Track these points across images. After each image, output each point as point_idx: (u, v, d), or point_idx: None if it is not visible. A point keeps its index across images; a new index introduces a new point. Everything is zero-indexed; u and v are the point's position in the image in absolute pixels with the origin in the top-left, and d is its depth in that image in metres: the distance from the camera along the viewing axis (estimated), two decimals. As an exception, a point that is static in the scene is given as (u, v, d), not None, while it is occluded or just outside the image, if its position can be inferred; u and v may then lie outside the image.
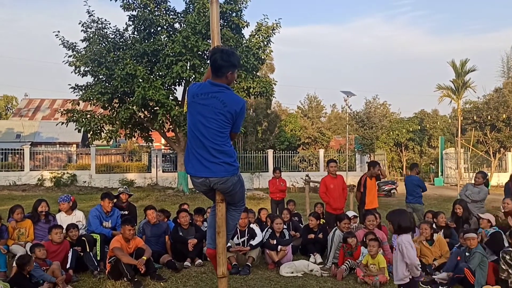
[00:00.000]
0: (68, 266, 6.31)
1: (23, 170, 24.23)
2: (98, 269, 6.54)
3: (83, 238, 6.89)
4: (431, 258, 6.85)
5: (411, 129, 34.67)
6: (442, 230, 7.55)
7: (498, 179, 28.13)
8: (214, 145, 3.52)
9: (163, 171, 26.13)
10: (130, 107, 18.67)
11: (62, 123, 19.81)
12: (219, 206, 3.65)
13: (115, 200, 7.74)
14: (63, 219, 7.22)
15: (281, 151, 29.08)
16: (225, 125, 3.55)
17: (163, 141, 30.87)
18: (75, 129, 20.16)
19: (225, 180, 3.55)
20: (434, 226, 7.31)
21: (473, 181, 8.76)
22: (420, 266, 6.42)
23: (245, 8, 20.22)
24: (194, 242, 7.24)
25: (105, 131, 19.91)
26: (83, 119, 19.27)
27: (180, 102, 20.27)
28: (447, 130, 37.71)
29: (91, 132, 19.54)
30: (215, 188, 3.61)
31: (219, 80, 3.60)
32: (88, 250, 6.75)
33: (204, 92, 3.58)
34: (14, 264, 5.79)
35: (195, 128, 3.58)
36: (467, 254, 6.10)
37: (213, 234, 3.76)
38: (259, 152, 27.88)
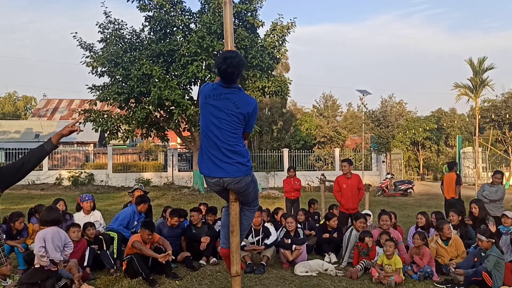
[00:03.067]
0: (85, 264, 6.40)
1: (42, 170, 24.63)
2: (115, 267, 6.62)
3: (100, 236, 7.01)
4: (447, 258, 6.79)
5: (428, 128, 34.25)
6: (458, 230, 7.48)
7: (517, 178, 27.60)
8: (227, 145, 3.55)
9: (179, 170, 26.31)
10: (146, 107, 18.87)
11: (80, 123, 20.09)
12: (233, 205, 3.68)
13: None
14: (81, 218, 7.33)
15: (296, 150, 29.01)
16: (237, 126, 3.58)
17: (179, 140, 31.14)
18: (92, 129, 20.47)
19: (239, 180, 3.58)
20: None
21: (490, 181, 8.66)
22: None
23: (260, 7, 20.28)
24: (207, 240, 7.31)
25: (121, 131, 20.17)
26: (100, 119, 19.55)
27: (195, 102, 20.37)
28: (465, 129, 37.20)
29: (108, 132, 19.80)
30: (229, 188, 3.64)
31: (230, 84, 3.63)
32: (105, 248, 6.86)
33: (217, 94, 3.61)
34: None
35: (207, 129, 3.62)
36: (482, 254, 6.03)
37: (226, 233, 3.79)
38: (274, 151, 27.86)
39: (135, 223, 7.42)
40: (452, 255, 6.77)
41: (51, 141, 3.47)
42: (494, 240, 5.95)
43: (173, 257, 6.36)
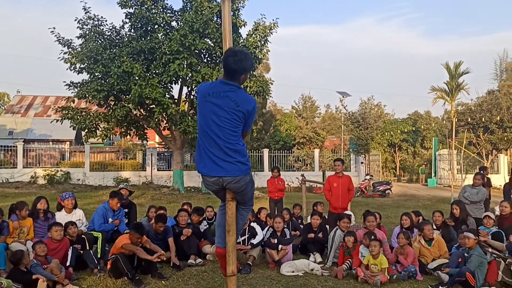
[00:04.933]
0: (68, 263, 6.27)
1: (16, 168, 24.01)
2: (98, 267, 6.51)
3: (83, 236, 6.87)
4: (430, 258, 6.91)
5: (405, 130, 34.88)
6: (440, 230, 7.61)
7: (494, 181, 28.37)
8: (228, 144, 3.51)
9: (158, 170, 26.05)
10: (126, 105, 18.59)
11: (57, 120, 19.67)
12: (230, 204, 3.65)
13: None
14: (63, 217, 7.16)
15: (276, 151, 29.11)
16: (237, 124, 3.55)
17: (157, 139, 30.81)
18: (70, 127, 20.03)
19: (239, 180, 3.55)
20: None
21: (471, 182, 8.85)
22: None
23: (243, 7, 20.26)
24: (188, 232, 7.31)
25: (100, 129, 19.81)
26: (78, 117, 19.15)
27: (176, 101, 20.21)
28: (440, 132, 38.00)
29: (86, 130, 19.41)
30: (228, 187, 3.61)
31: (231, 80, 3.60)
32: (88, 248, 6.73)
33: (216, 92, 3.58)
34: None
35: (207, 128, 3.57)
36: (466, 255, 6.16)
37: (222, 233, 3.75)
38: (254, 152, 27.89)
39: (110, 220, 7.30)
40: (435, 255, 6.89)
41: None
42: (478, 239, 6.09)
43: (165, 258, 6.28)
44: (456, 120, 25.72)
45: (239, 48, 3.66)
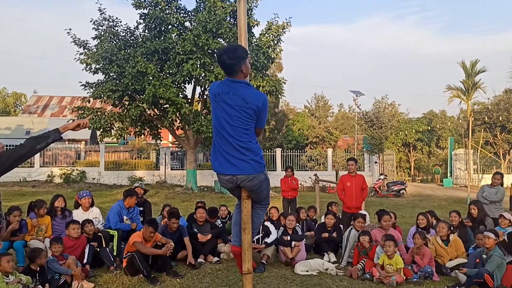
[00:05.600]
0: (85, 261, 6.34)
1: (33, 167, 24.38)
2: (115, 265, 6.58)
3: (99, 233, 6.94)
4: (446, 258, 6.83)
5: (420, 130, 34.53)
6: (457, 231, 7.52)
7: (507, 180, 27.96)
8: (240, 142, 3.52)
9: (171, 169, 26.22)
10: (140, 104, 18.74)
11: (73, 120, 19.89)
12: (245, 203, 3.66)
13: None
14: (80, 215, 7.25)
15: (288, 150, 29.06)
16: (249, 121, 3.55)
17: (171, 138, 30.98)
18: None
19: (252, 178, 3.55)
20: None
21: (487, 183, 8.73)
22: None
23: (256, 7, 20.28)
24: (207, 238, 7.27)
25: (115, 129, 20.01)
26: (94, 116, 19.37)
27: (189, 100, 20.31)
28: (455, 131, 37.56)
29: (101, 130, 19.62)
30: (242, 185, 3.61)
31: (235, 76, 3.60)
32: (104, 245, 6.80)
33: (225, 91, 3.58)
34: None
35: (220, 127, 3.59)
36: (484, 256, 6.08)
37: (238, 231, 3.76)
38: (267, 151, 27.88)
39: (125, 217, 7.36)
40: (452, 255, 6.81)
41: (58, 130, 3.38)
42: (498, 239, 6.01)
43: (172, 251, 6.32)
44: (473, 119, 25.37)
45: (229, 45, 3.64)
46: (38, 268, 5.50)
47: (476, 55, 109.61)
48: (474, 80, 28.17)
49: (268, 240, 7.21)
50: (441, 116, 38.81)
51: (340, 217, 8.62)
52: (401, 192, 21.80)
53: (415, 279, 6.28)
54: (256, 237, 7.29)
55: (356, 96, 30.14)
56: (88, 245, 6.53)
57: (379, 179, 23.31)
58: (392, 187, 22.06)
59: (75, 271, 5.75)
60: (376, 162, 28.43)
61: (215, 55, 19.46)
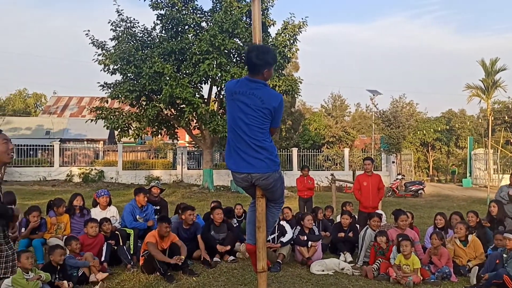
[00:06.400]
0: (102, 259, 6.42)
1: (53, 166, 24.79)
2: (132, 263, 6.65)
3: (116, 232, 7.03)
4: (465, 259, 6.74)
5: (438, 129, 34.05)
6: (475, 231, 7.41)
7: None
8: (255, 141, 3.53)
9: (188, 168, 26.38)
10: (157, 104, 18.92)
11: (92, 120, 20.21)
12: (259, 201, 3.67)
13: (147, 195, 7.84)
14: (97, 213, 7.36)
15: (305, 150, 28.96)
16: (264, 121, 3.57)
17: (187, 138, 31.20)
18: (103, 126, 20.56)
19: (267, 176, 3.56)
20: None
21: (508, 182, 8.55)
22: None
23: (272, 6, 20.27)
24: (227, 248, 7.26)
25: (132, 129, 20.23)
26: (112, 116, 19.62)
27: (206, 100, 20.41)
28: (475, 131, 36.95)
29: (119, 129, 19.85)
30: (257, 184, 3.62)
31: (255, 76, 3.61)
32: (121, 244, 6.88)
33: (242, 90, 3.60)
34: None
35: (235, 125, 3.61)
36: (504, 256, 5.97)
37: (252, 229, 3.77)
38: (283, 151, 27.84)
39: (138, 217, 7.43)
40: (471, 256, 6.72)
41: (13, 210, 3.19)
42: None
43: (182, 260, 6.34)
44: (493, 119, 24.93)
45: (261, 44, 3.65)
46: (59, 266, 5.59)
47: (496, 53, 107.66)
48: (494, 78, 27.64)
49: (284, 239, 7.21)
50: (460, 115, 38.22)
51: (356, 216, 8.56)
52: (419, 192, 21.54)
53: (432, 280, 6.21)
54: (272, 236, 7.29)
55: (373, 95, 29.88)
56: (105, 243, 6.61)
57: (397, 179, 23.07)
58: (410, 187, 21.82)
59: (93, 262, 5.91)
60: (393, 162, 28.14)
61: (231, 54, 19.57)
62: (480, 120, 35.56)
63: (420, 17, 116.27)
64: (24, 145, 25.55)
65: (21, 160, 24.83)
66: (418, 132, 33.59)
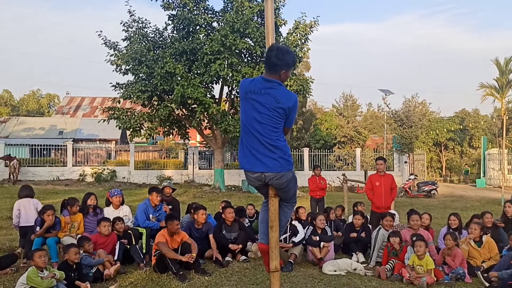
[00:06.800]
0: (115, 258, 6.47)
1: (66, 166, 25.05)
2: (144, 262, 6.69)
3: (129, 231, 7.08)
4: (479, 260, 6.66)
5: (452, 129, 33.70)
6: (490, 232, 7.31)
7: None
8: (269, 140, 3.52)
9: (199, 168, 26.47)
10: (169, 104, 19.00)
11: (104, 120, 20.37)
12: (272, 200, 3.66)
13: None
14: (110, 213, 7.41)
15: (316, 150, 28.87)
16: (278, 120, 3.56)
17: (198, 138, 31.31)
18: (116, 126, 20.72)
19: (281, 176, 3.55)
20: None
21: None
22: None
23: (283, 6, 20.26)
24: (239, 247, 7.28)
25: (144, 129, 20.35)
26: (124, 117, 19.75)
27: (217, 100, 20.45)
28: (489, 130, 36.50)
29: (131, 129, 19.98)
30: (270, 183, 3.61)
31: (272, 76, 3.60)
32: (134, 243, 6.92)
33: (257, 89, 3.59)
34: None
35: (249, 124, 3.59)
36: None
37: (265, 229, 3.76)
38: (294, 151, 27.79)
39: (151, 216, 7.47)
40: (485, 257, 6.64)
41: None
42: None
43: (194, 257, 6.35)
44: (507, 118, 24.59)
45: (281, 45, 3.65)
46: (74, 265, 5.65)
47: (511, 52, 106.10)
48: (509, 77, 27.29)
49: (296, 239, 7.19)
50: (474, 115, 37.80)
51: (369, 217, 8.50)
52: (432, 192, 21.34)
53: (446, 281, 6.14)
54: (284, 236, 7.28)
55: (385, 95, 29.69)
56: (118, 242, 6.66)
57: (409, 179, 22.89)
58: (423, 187, 21.62)
59: (107, 258, 6.01)
60: (406, 162, 27.92)
61: (242, 54, 19.57)
62: (494, 119, 35.15)
63: (434, 15, 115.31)
64: (38, 145, 25.87)
65: (35, 159, 25.15)
66: (431, 132, 33.29)
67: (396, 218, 8.90)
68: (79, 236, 6.62)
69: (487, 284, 5.90)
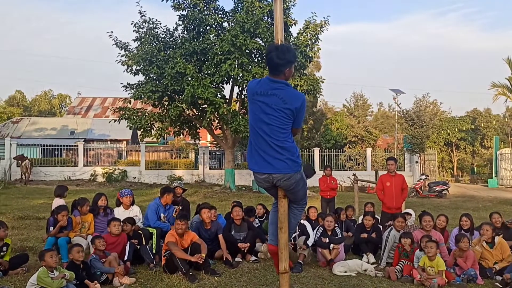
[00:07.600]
0: (125, 258, 6.50)
1: (77, 166, 25.27)
2: (154, 262, 6.71)
3: (139, 231, 7.11)
4: (491, 261, 6.59)
5: (463, 128, 33.34)
6: (500, 233, 7.22)
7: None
8: (276, 141, 3.51)
9: (210, 168, 26.53)
10: (180, 105, 19.06)
11: (115, 120, 20.50)
12: (281, 202, 3.65)
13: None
14: (121, 213, 7.46)
15: (327, 150, 28.77)
16: (286, 121, 3.54)
17: (209, 138, 31.37)
18: (126, 126, 20.84)
19: (289, 177, 3.54)
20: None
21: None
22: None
23: (293, 6, 20.19)
24: (246, 246, 7.28)
25: (155, 129, 20.44)
26: (135, 117, 19.86)
27: (227, 100, 20.47)
28: (501, 130, 36.04)
29: (142, 129, 20.08)
30: (278, 185, 3.60)
31: (277, 76, 3.59)
32: (144, 243, 6.95)
33: (264, 90, 3.58)
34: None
35: (256, 126, 3.60)
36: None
37: (275, 230, 3.76)
38: (305, 151, 27.71)
39: (162, 215, 7.50)
40: (497, 258, 6.57)
41: None
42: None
43: (203, 258, 6.36)
44: (520, 118, 24.26)
45: (280, 44, 3.63)
46: (82, 264, 5.67)
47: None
48: (521, 77, 26.92)
49: (309, 242, 7.17)
50: (485, 114, 37.35)
51: (380, 217, 8.45)
52: (443, 192, 21.13)
53: (457, 282, 6.08)
54: (293, 235, 7.26)
55: (396, 94, 29.46)
56: (128, 242, 6.69)
57: (420, 179, 22.71)
58: (434, 187, 21.43)
59: (118, 269, 5.91)
60: (417, 162, 27.70)
61: (253, 54, 19.57)
62: (506, 119, 34.70)
63: (445, 15, 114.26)
64: (50, 145, 26.12)
65: (46, 160, 25.40)
66: (442, 132, 32.96)
67: (412, 217, 8.82)
68: (89, 236, 6.67)
69: (501, 287, 5.82)
